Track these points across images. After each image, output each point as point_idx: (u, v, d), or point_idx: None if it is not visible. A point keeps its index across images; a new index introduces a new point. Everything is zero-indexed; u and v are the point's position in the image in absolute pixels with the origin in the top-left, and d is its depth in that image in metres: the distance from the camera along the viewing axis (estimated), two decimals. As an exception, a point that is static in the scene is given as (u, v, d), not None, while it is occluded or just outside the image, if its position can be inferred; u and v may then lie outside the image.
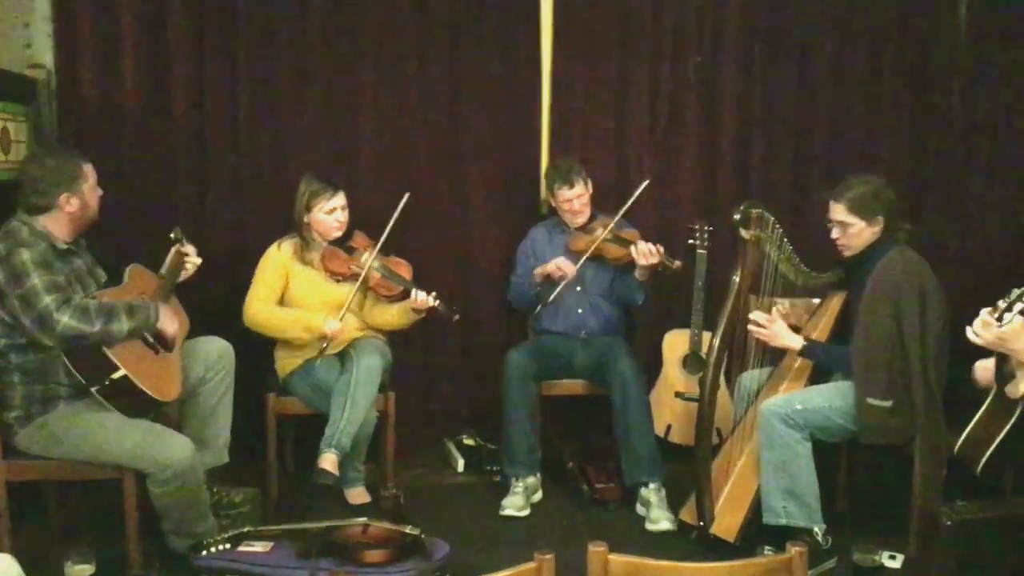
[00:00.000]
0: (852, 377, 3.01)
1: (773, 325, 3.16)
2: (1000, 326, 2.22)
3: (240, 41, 3.74)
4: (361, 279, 3.41)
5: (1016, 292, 2.22)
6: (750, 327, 3.18)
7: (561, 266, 3.63)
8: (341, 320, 3.37)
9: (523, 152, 4.05)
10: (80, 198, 2.81)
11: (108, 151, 3.55)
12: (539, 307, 3.73)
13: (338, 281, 3.45)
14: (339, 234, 3.46)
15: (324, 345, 3.35)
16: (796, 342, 3.15)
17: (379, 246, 3.45)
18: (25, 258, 2.62)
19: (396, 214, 3.41)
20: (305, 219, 3.43)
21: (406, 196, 3.44)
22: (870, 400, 2.95)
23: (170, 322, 2.87)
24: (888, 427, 2.97)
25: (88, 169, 2.86)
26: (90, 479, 2.88)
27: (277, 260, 3.45)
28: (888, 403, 2.94)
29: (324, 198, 3.40)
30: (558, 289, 3.61)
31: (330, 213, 3.41)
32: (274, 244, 3.49)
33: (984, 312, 2.26)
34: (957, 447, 2.57)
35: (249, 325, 3.40)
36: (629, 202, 3.64)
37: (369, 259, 3.43)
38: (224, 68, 3.74)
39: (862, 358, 2.98)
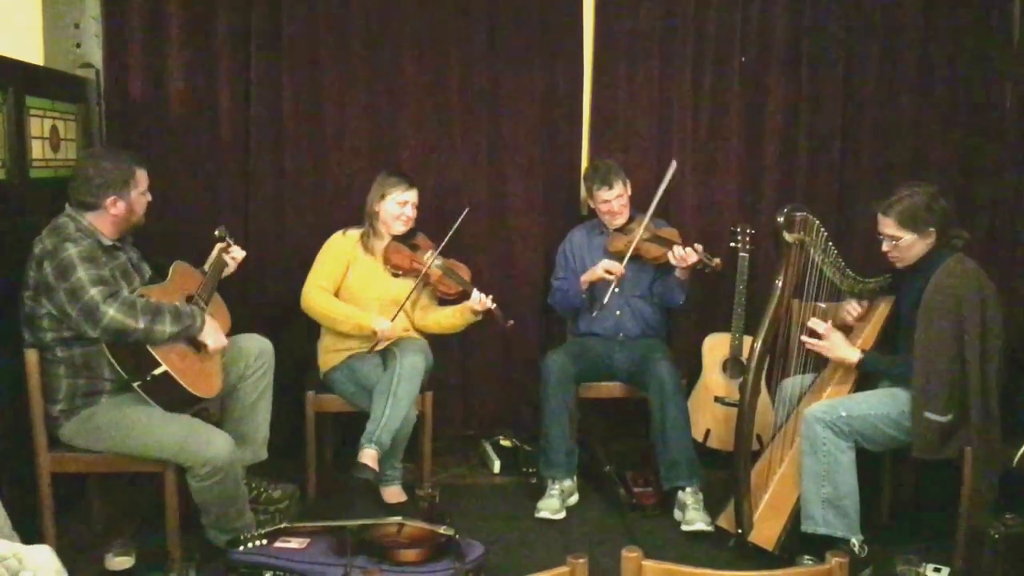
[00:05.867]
0: (910, 389, 2.90)
1: (832, 336, 3.08)
2: None
3: (284, 43, 3.78)
4: (422, 275, 3.45)
5: None
6: (803, 338, 3.11)
7: (610, 268, 3.58)
8: (395, 319, 3.39)
9: (564, 153, 4.04)
10: (127, 203, 2.85)
11: (154, 150, 3.61)
12: (594, 311, 3.71)
13: (397, 275, 3.49)
14: (404, 229, 3.52)
15: (375, 343, 3.38)
16: (853, 355, 3.06)
17: (442, 247, 3.48)
18: (72, 253, 2.67)
19: (457, 223, 3.45)
20: (376, 208, 3.49)
21: (466, 210, 3.52)
22: (928, 414, 2.85)
23: (212, 335, 2.89)
24: (944, 442, 2.87)
25: (141, 175, 2.91)
26: (132, 472, 2.92)
27: (340, 246, 3.50)
28: (947, 418, 2.84)
29: (400, 189, 3.48)
30: (610, 290, 3.57)
31: (402, 205, 3.48)
32: (339, 231, 3.54)
33: None
34: (1016, 460, 2.49)
35: (304, 309, 3.44)
36: (657, 197, 3.58)
37: (432, 257, 3.46)
38: (269, 70, 3.78)
39: (922, 371, 2.87)
